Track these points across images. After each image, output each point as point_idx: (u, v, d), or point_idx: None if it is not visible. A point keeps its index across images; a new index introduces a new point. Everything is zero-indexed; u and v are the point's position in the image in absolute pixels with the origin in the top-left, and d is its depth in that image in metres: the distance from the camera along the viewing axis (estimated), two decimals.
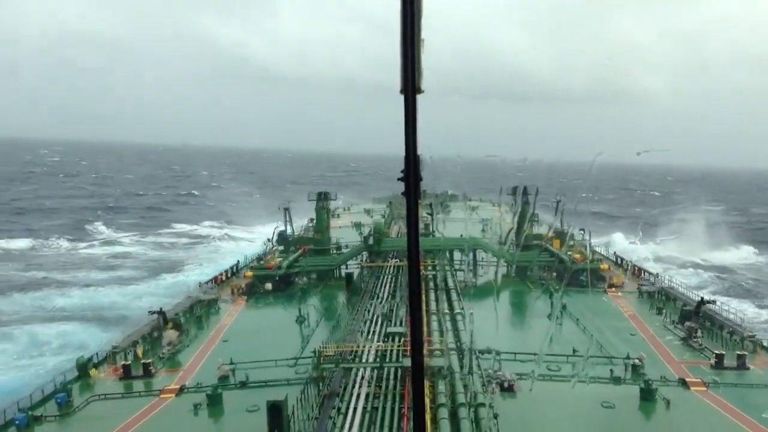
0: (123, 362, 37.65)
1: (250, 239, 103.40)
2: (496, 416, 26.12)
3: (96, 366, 37.99)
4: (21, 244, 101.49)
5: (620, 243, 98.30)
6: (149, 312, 46.05)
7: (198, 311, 49.52)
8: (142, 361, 37.59)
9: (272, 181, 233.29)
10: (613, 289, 53.56)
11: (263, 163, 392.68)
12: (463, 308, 42.24)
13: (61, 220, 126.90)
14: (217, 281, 59.25)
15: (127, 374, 36.42)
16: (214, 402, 31.51)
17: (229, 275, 62.35)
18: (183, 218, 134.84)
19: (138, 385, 35.50)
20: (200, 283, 57.37)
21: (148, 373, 36.37)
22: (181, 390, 33.98)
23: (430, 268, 54.48)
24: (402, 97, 2.66)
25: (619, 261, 64.25)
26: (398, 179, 2.85)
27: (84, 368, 36.95)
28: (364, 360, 32.82)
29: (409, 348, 33.41)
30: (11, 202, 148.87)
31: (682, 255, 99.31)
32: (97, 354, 39.62)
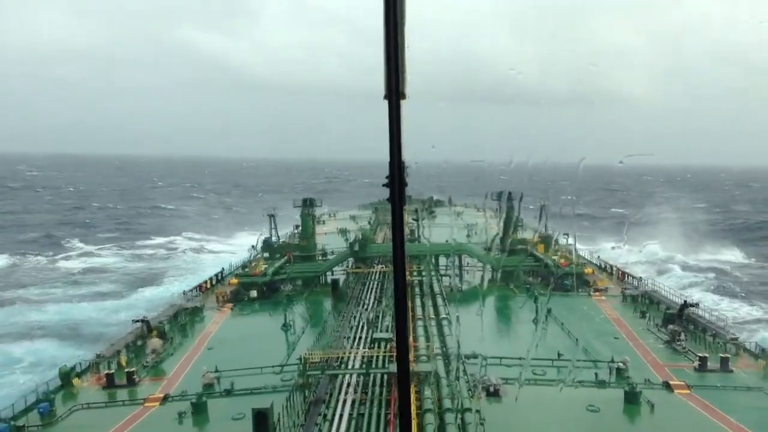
0: (106, 371, 37.30)
1: (231, 250, 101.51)
2: (482, 421, 26.16)
3: (79, 375, 37.64)
4: None
5: (608, 249, 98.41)
6: (133, 320, 45.72)
7: (182, 319, 49.22)
8: (126, 370, 37.26)
9: (254, 191, 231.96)
10: (598, 293, 53.86)
11: (246, 172, 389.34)
12: (448, 313, 42.31)
13: (37, 235, 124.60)
14: (202, 289, 58.92)
15: (110, 383, 36.07)
16: (199, 410, 31.25)
17: (213, 283, 62.05)
18: (161, 230, 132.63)
19: (122, 394, 35.18)
20: (185, 291, 57.03)
21: (131, 382, 36.05)
22: (166, 399, 33.71)
23: (415, 273, 54.54)
24: (386, 103, 2.69)
25: (603, 265, 64.66)
26: (383, 185, 2.87)
27: (67, 377, 36.58)
28: (350, 366, 32.77)
29: (395, 354, 33.44)
30: None
31: (667, 256, 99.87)
32: (80, 363, 39.26)
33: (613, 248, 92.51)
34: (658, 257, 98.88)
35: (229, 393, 33.50)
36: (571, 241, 66.53)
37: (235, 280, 59.26)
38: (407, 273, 53.33)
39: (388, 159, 2.76)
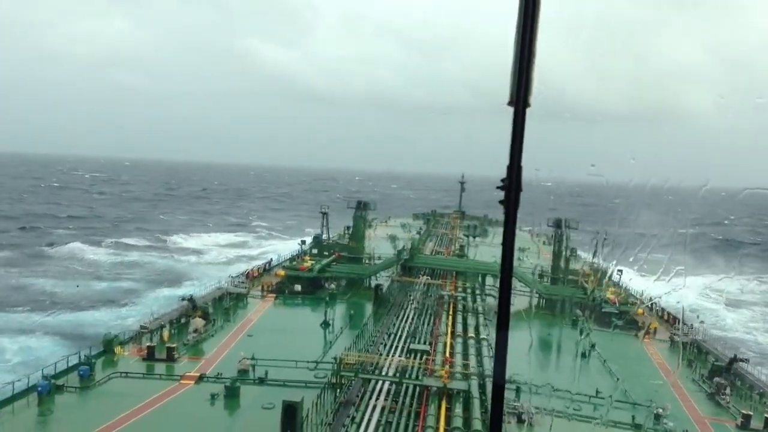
0: (148, 344, 38.22)
1: (260, 255, 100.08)
2: None
3: (121, 344, 38.63)
4: (27, 250, 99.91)
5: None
6: (181, 298, 46.76)
7: (227, 303, 50.08)
8: (167, 345, 38.13)
9: (301, 200, 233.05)
10: (646, 334, 52.50)
11: (292, 181, 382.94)
12: (489, 334, 41.88)
13: (73, 230, 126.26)
14: (249, 276, 59.89)
15: (150, 356, 36.97)
16: (232, 394, 31.76)
17: (261, 272, 62.98)
18: (198, 231, 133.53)
19: (160, 368, 35.99)
20: (231, 275, 58.03)
21: (171, 357, 36.87)
22: (201, 378, 34.34)
23: (460, 290, 54.19)
24: (509, 110, 2.71)
25: (653, 306, 62.92)
26: (497, 188, 2.89)
27: (109, 345, 37.62)
28: (384, 373, 32.70)
29: (431, 367, 33.25)
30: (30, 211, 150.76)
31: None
32: (123, 332, 40.33)
33: (720, 280, 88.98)
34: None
35: (262, 381, 33.93)
36: (624, 277, 64.95)
37: (281, 272, 60.03)
38: (451, 289, 53.35)
39: (506, 162, 2.79)
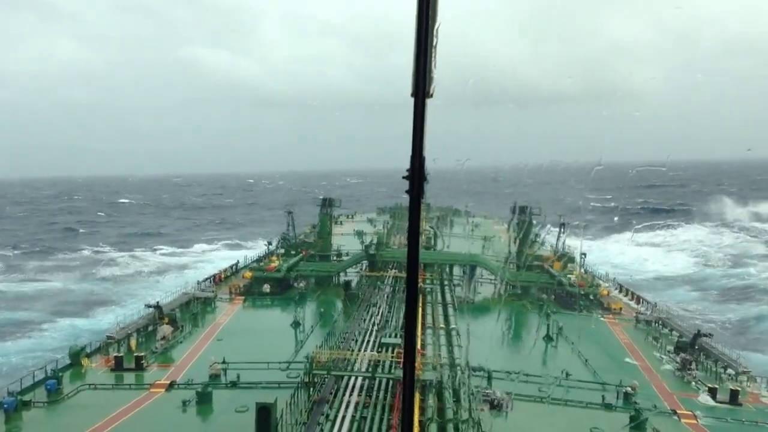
0: (116, 354, 37.70)
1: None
2: None
3: (88, 356, 38.04)
4: None
5: None
6: (146, 305, 46.19)
7: (194, 308, 49.57)
8: (135, 354, 37.67)
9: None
10: (611, 314, 53.38)
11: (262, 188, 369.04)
12: (458, 324, 42.16)
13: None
14: (216, 280, 59.36)
15: (118, 366, 36.47)
16: (204, 400, 31.48)
17: (228, 275, 62.45)
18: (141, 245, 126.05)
19: (129, 378, 35.53)
20: (198, 280, 57.49)
21: (139, 367, 36.43)
22: (171, 386, 33.98)
23: (429, 281, 54.39)
24: (413, 100, 2.75)
25: (618, 287, 64.04)
26: (403, 177, 2.93)
27: (76, 357, 37.02)
28: (356, 369, 32.74)
29: (402, 360, 33.37)
30: None
31: None
32: (90, 344, 39.71)
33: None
34: None
35: (234, 385, 33.71)
36: (586, 261, 65.92)
37: (249, 274, 59.61)
38: (420, 280, 53.51)
39: (410, 153, 2.82)
